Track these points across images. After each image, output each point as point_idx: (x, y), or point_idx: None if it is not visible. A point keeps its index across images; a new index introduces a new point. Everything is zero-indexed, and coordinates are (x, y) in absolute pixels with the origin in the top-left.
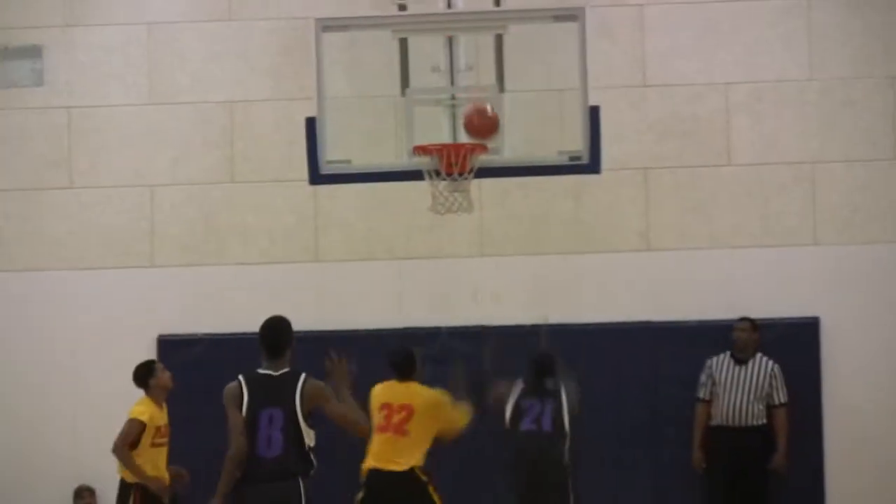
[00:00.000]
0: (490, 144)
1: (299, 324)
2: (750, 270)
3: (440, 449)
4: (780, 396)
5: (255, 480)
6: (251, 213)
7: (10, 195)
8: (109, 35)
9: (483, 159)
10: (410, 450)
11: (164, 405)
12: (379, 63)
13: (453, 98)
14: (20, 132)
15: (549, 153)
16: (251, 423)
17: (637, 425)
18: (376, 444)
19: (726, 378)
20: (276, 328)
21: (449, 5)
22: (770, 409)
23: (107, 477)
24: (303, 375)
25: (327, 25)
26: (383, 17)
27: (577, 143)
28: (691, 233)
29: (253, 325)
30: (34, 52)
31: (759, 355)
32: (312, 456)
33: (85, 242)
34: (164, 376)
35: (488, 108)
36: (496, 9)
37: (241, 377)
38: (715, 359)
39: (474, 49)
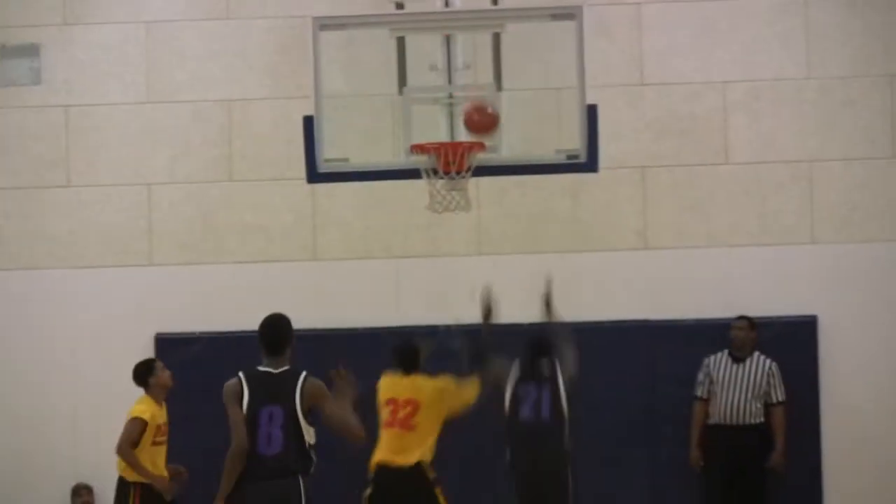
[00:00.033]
0: (488, 142)
1: (297, 322)
2: (747, 269)
3: (442, 446)
4: (778, 395)
5: (256, 478)
6: (249, 212)
7: (8, 194)
8: (107, 34)
9: (481, 158)
10: (418, 444)
11: (164, 404)
12: (376, 62)
13: (451, 97)
14: (18, 131)
15: (546, 152)
16: (251, 420)
17: (635, 424)
18: (384, 439)
19: (724, 376)
20: (276, 326)
21: (446, 4)
22: (768, 407)
23: (105, 475)
24: (303, 374)
25: (325, 24)
26: (381, 16)
27: (574, 141)
28: (689, 231)
29: (251, 323)
30: (32, 50)
31: (756, 354)
32: (313, 454)
33: (83, 241)
34: (163, 375)
35: (487, 104)
36: (494, 7)
37: (241, 374)
38: (713, 357)
39: (472, 48)
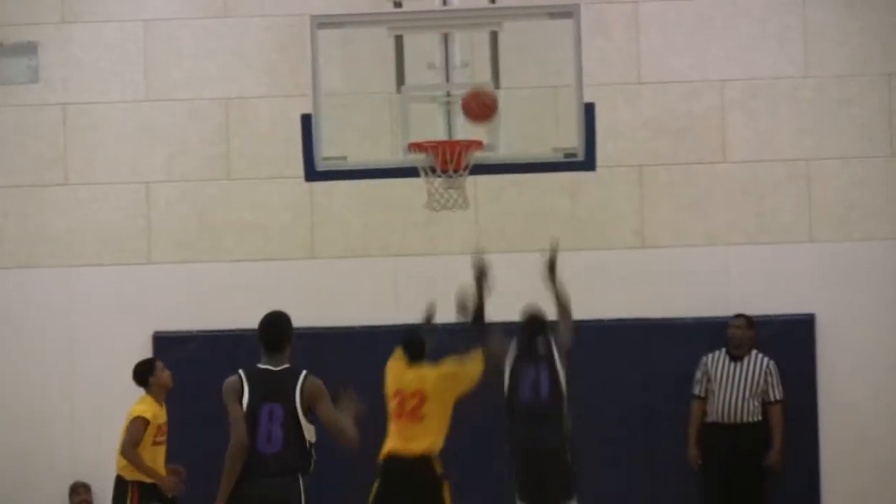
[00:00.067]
0: (486, 140)
1: (295, 321)
2: (745, 267)
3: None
4: (776, 393)
5: (255, 476)
6: (247, 210)
7: (5, 192)
8: (105, 32)
9: (478, 156)
10: (426, 434)
11: (164, 404)
12: (374, 60)
13: (449, 95)
14: (16, 129)
15: (544, 150)
16: (251, 417)
17: (632, 422)
18: (393, 430)
19: (722, 375)
20: (276, 323)
21: (444, 2)
22: (765, 405)
23: (103, 473)
24: (303, 372)
25: (323, 22)
26: (379, 14)
27: (572, 140)
28: (686, 230)
29: (249, 322)
30: (30, 48)
31: (754, 352)
32: (313, 452)
33: (81, 239)
34: (164, 375)
35: (486, 91)
36: (491, 6)
37: (241, 371)
38: (710, 355)
39: (469, 46)
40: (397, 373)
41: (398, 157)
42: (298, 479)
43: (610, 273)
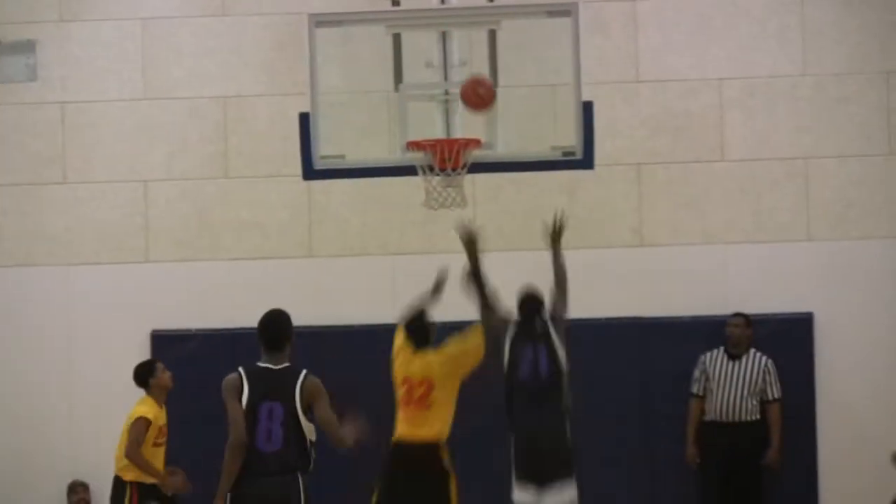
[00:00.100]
0: (484, 138)
1: (293, 319)
2: (743, 266)
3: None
4: (774, 392)
5: (255, 474)
6: (245, 209)
7: (4, 190)
8: (104, 30)
9: (476, 155)
10: (435, 421)
11: (164, 405)
12: (372, 58)
13: (447, 93)
14: (14, 127)
15: (542, 149)
16: (251, 415)
17: (630, 421)
18: (402, 417)
19: (720, 373)
20: (276, 322)
21: (442, 1)
22: (763, 404)
23: (101, 472)
24: (303, 371)
25: (321, 21)
26: (377, 13)
27: (570, 138)
28: (684, 228)
29: (247, 320)
30: (28, 47)
31: (752, 351)
32: (313, 451)
33: (79, 238)
34: (164, 376)
35: (484, 80)
36: (490, 4)
37: (241, 369)
38: (708, 354)
39: (468, 44)
40: (404, 360)
41: (396, 156)
42: (298, 478)
43: (608, 271)
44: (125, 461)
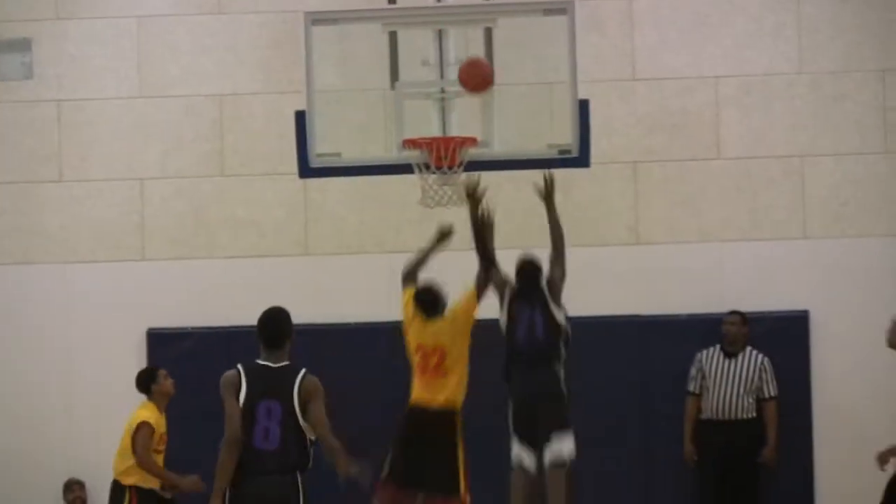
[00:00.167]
0: (480, 136)
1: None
2: (739, 264)
3: None
4: (770, 390)
5: (253, 473)
6: (241, 207)
7: (0, 189)
8: (100, 28)
9: (472, 153)
10: (451, 386)
11: (164, 412)
12: (369, 56)
13: (443, 91)
14: (9, 125)
15: (538, 147)
16: (248, 413)
17: (627, 419)
18: (417, 384)
19: (716, 371)
20: (276, 319)
21: None
22: (760, 402)
23: (98, 470)
24: (303, 370)
25: (317, 19)
26: (373, 11)
27: (566, 136)
28: (680, 226)
29: (243, 318)
30: (24, 45)
31: (748, 349)
32: (312, 450)
33: (75, 236)
34: (166, 383)
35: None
36: (486, 2)
37: (239, 366)
38: (705, 352)
39: (464, 42)
40: (417, 329)
41: (392, 154)
42: (297, 477)
43: (604, 270)
44: (125, 465)
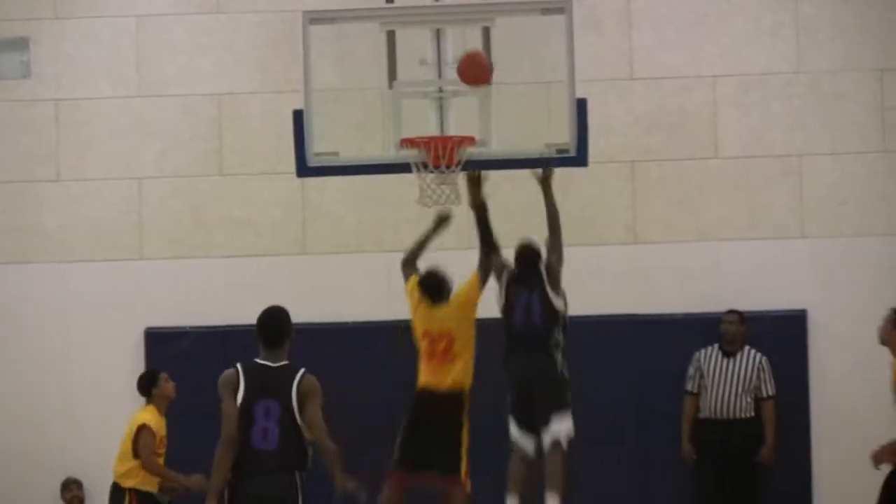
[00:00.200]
0: (478, 136)
1: None
2: (737, 263)
3: None
4: (768, 389)
5: (251, 473)
6: (239, 206)
7: None
8: (98, 27)
9: (470, 152)
10: (459, 370)
11: (165, 415)
12: (366, 56)
13: (441, 91)
14: (7, 125)
15: (536, 146)
16: (246, 413)
17: (625, 418)
18: (425, 370)
19: (714, 371)
20: (275, 318)
21: None
22: (758, 401)
23: (95, 469)
24: (301, 370)
25: (315, 18)
26: (371, 10)
27: (564, 135)
28: (678, 226)
29: (241, 318)
30: (21, 44)
31: (746, 348)
32: (310, 449)
33: (73, 235)
34: (167, 386)
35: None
36: (483, 1)
37: (238, 365)
38: (703, 351)
39: (462, 42)
40: (423, 315)
41: (390, 153)
42: (295, 477)
43: (602, 269)
44: (125, 468)
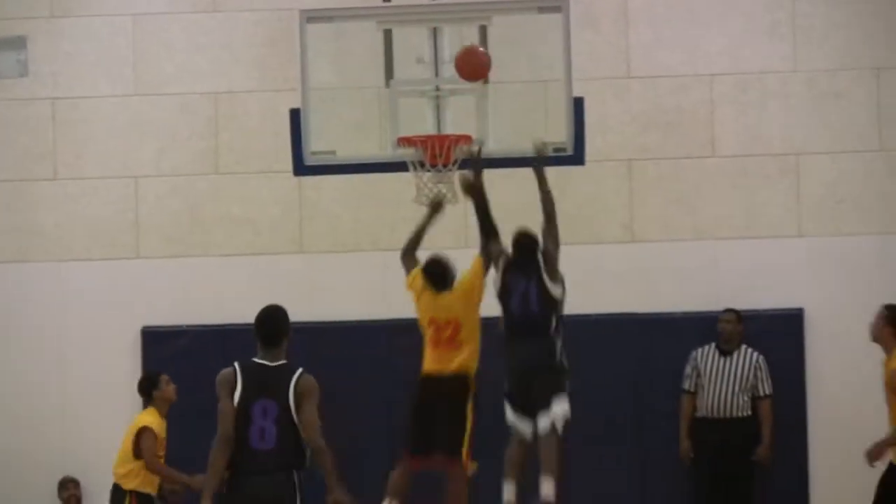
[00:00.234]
0: (475, 134)
1: None
2: (734, 262)
3: None
4: (765, 388)
5: (248, 473)
6: (236, 205)
7: None
8: (95, 26)
9: (467, 151)
10: (465, 355)
11: (165, 418)
12: (363, 54)
13: (437, 89)
14: (5, 123)
15: (533, 143)
16: (244, 413)
17: (622, 417)
18: (430, 357)
19: (711, 369)
20: (273, 318)
21: None
22: (755, 400)
23: (92, 468)
24: (299, 370)
25: (312, 16)
26: (368, 9)
27: (561, 134)
28: (675, 224)
29: (238, 316)
30: (19, 42)
31: (743, 347)
32: (308, 449)
33: (70, 234)
34: (168, 389)
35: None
36: (480, 0)
37: (236, 364)
38: (700, 350)
39: (459, 40)
40: (427, 303)
41: (387, 152)
42: (293, 476)
43: (598, 267)
44: (125, 469)
